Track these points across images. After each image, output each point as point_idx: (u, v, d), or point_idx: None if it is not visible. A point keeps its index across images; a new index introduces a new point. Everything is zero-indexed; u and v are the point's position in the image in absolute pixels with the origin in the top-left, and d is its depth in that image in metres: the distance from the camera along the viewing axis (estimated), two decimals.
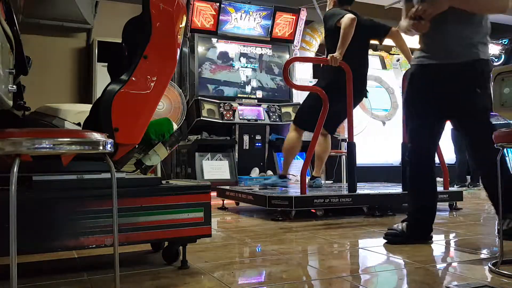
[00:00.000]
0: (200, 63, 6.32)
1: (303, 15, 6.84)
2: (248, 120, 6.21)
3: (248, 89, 6.60)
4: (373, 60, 7.75)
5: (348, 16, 3.71)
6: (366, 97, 4.17)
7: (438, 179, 6.61)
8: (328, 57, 3.71)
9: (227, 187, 4.20)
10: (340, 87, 3.67)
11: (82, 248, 1.68)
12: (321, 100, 3.62)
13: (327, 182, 6.45)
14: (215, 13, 6.31)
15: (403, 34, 3.16)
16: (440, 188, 4.10)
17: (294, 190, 3.89)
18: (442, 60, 2.32)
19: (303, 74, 7.18)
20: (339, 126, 4.23)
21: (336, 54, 3.67)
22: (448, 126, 2.49)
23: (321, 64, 4.03)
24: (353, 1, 4.10)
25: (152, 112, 1.75)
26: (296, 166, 6.36)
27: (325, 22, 4.05)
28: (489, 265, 1.89)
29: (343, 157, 5.77)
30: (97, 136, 1.36)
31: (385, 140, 6.82)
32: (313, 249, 2.42)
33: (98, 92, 5.67)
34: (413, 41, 2.88)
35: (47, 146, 1.25)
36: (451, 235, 2.79)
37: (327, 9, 4.17)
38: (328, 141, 4.17)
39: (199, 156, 5.89)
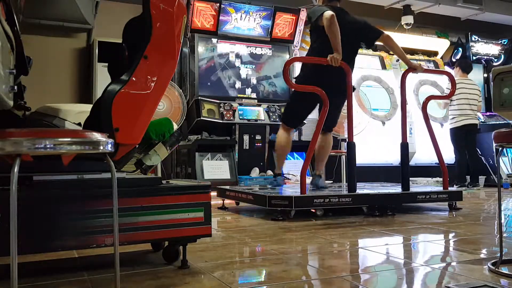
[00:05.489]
0: (200, 63, 6.32)
1: (303, 15, 6.84)
2: (248, 120, 6.22)
3: (248, 89, 6.60)
4: (373, 60, 7.75)
5: (326, 16, 3.65)
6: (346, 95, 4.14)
7: (437, 179, 6.63)
8: (328, 58, 3.71)
9: (227, 187, 4.20)
10: (313, 82, 3.67)
11: (82, 248, 1.69)
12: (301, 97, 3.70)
13: (327, 181, 6.45)
14: (215, 13, 6.31)
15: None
16: (439, 188, 4.13)
17: (294, 190, 3.90)
18: None
19: None
20: (334, 121, 4.22)
21: (335, 55, 3.67)
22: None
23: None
24: None
25: (153, 112, 1.75)
26: (296, 166, 6.37)
27: (309, 20, 4.06)
28: (489, 265, 1.89)
29: (343, 157, 5.77)
30: (97, 136, 1.36)
31: (385, 140, 6.82)
32: (313, 249, 2.42)
33: (98, 92, 5.67)
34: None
35: (48, 146, 1.25)
36: (451, 235, 2.80)
37: (316, 3, 4.15)
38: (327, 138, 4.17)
39: (199, 156, 5.89)
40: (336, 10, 3.84)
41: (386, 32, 4.07)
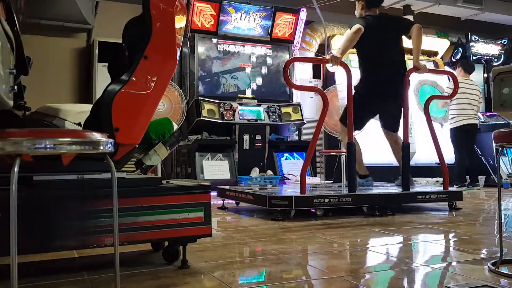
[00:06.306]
0: (200, 63, 6.32)
1: (303, 15, 6.84)
2: (248, 120, 6.22)
3: (248, 89, 6.60)
4: None
5: (354, 27, 3.94)
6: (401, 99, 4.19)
7: (438, 179, 6.62)
8: (328, 56, 3.72)
9: (227, 187, 4.20)
10: (362, 93, 3.84)
11: (83, 248, 1.69)
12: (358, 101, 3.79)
13: (327, 182, 6.45)
14: (215, 13, 6.31)
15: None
16: (439, 188, 4.13)
17: (294, 190, 3.89)
18: None
19: (303, 74, 7.18)
20: (398, 123, 4.33)
21: (336, 53, 3.71)
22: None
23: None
24: (380, 3, 4.24)
25: (153, 112, 1.75)
26: (296, 166, 6.37)
27: None
28: (489, 264, 1.89)
29: (343, 157, 5.77)
30: (97, 136, 1.36)
31: (385, 140, 6.80)
32: (313, 249, 2.42)
33: (98, 92, 5.67)
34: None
35: (48, 146, 1.25)
36: (451, 235, 2.80)
37: (355, 13, 4.30)
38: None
39: (199, 156, 5.89)
40: (374, 18, 4.09)
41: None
